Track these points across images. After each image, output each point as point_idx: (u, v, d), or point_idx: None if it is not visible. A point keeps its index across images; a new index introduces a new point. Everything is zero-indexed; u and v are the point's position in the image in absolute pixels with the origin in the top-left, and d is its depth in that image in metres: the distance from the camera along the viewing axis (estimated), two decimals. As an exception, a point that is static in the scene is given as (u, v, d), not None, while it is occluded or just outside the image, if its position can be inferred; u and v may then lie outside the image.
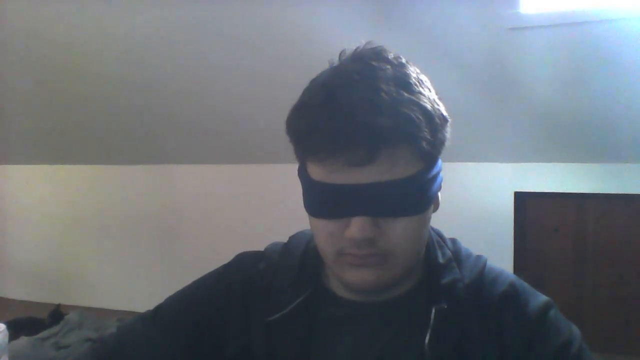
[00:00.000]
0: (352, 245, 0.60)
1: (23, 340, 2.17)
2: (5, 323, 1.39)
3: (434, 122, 0.59)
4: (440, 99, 0.63)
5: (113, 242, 3.09)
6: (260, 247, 0.80)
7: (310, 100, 0.61)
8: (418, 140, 0.57)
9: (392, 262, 0.62)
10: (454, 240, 0.75)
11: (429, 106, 0.59)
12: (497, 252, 2.17)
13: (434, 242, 0.72)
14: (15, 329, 2.11)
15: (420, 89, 0.60)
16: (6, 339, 1.35)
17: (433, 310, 0.65)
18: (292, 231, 0.80)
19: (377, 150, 0.56)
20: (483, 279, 0.69)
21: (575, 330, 0.67)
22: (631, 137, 1.98)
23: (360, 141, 0.56)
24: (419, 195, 0.61)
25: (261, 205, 2.73)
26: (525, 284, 0.70)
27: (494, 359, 0.64)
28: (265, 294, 0.72)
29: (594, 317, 2.22)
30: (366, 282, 0.62)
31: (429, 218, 0.65)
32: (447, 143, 0.64)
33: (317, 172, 0.61)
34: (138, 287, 2.95)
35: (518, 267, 2.26)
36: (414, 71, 0.62)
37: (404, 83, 0.59)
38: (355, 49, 0.64)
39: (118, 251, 3.08)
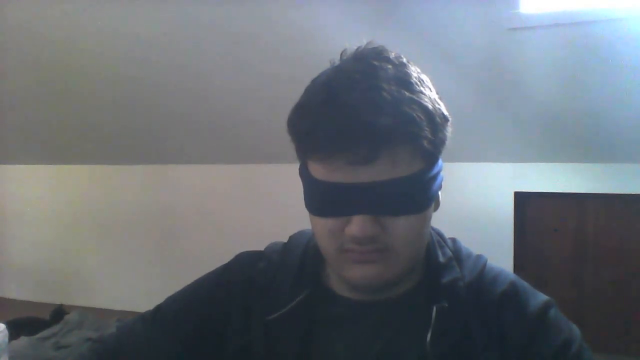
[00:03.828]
0: (353, 242, 0.60)
1: (23, 340, 2.17)
2: (5, 323, 1.39)
3: (435, 121, 0.60)
4: (440, 98, 0.63)
5: (113, 242, 3.09)
6: (260, 247, 0.80)
7: (312, 99, 0.61)
8: (419, 139, 0.58)
9: (393, 259, 0.62)
10: (454, 240, 0.75)
11: (430, 106, 0.59)
12: (497, 252, 2.17)
13: (434, 242, 0.72)
14: (15, 329, 2.11)
15: (421, 88, 0.60)
16: (6, 339, 1.35)
17: (434, 309, 0.65)
18: (292, 231, 0.80)
19: (378, 149, 0.56)
20: (483, 278, 0.69)
21: (575, 329, 0.67)
22: (631, 137, 1.98)
23: (361, 140, 0.56)
24: (419, 194, 0.61)
25: (261, 205, 2.73)
26: (526, 284, 0.70)
27: (494, 358, 0.64)
28: (265, 294, 0.72)
29: (594, 317, 2.22)
30: (368, 278, 0.62)
31: (430, 217, 0.65)
32: (448, 143, 0.64)
33: (318, 171, 0.61)
34: (138, 287, 2.95)
35: (518, 267, 2.26)
36: (415, 71, 0.62)
37: (405, 82, 0.59)
38: (357, 49, 0.64)
39: (118, 251, 3.08)
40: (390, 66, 0.60)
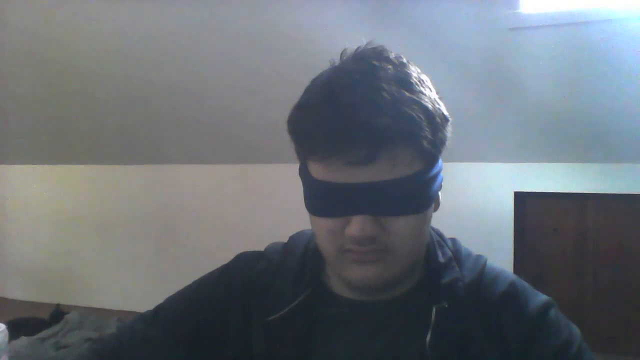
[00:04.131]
0: (353, 242, 0.60)
1: (23, 340, 2.17)
2: (5, 323, 1.39)
3: (435, 121, 0.60)
4: (440, 98, 0.63)
5: (113, 242, 3.09)
6: (260, 247, 0.80)
7: (312, 99, 0.61)
8: (419, 139, 0.58)
9: (393, 259, 0.62)
10: (454, 240, 0.75)
11: (429, 106, 0.59)
12: (497, 252, 2.17)
13: (434, 242, 0.72)
14: (15, 329, 2.11)
15: (421, 88, 0.60)
16: (6, 339, 1.35)
17: (434, 310, 0.65)
18: (292, 231, 0.80)
19: (378, 149, 0.56)
20: (483, 278, 0.69)
21: (575, 330, 0.67)
22: (631, 137, 1.98)
23: (361, 140, 0.56)
24: (419, 194, 0.61)
25: (261, 205, 2.73)
26: (526, 284, 0.70)
27: (494, 358, 0.64)
28: (265, 294, 0.72)
29: (594, 317, 2.21)
30: (368, 278, 0.62)
31: (430, 217, 0.65)
32: (448, 143, 0.64)
33: (318, 170, 0.61)
34: (138, 287, 2.95)
35: (518, 267, 2.26)
36: (414, 71, 0.62)
37: (405, 82, 0.59)
38: (357, 49, 0.64)
39: (118, 251, 3.08)
40: (390, 66, 0.60)
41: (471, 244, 0.75)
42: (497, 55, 1.89)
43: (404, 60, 0.63)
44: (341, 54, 0.65)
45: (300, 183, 0.66)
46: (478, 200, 2.29)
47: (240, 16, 2.02)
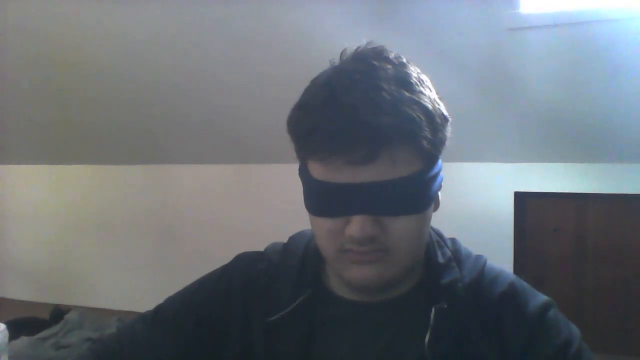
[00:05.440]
0: (353, 242, 0.60)
1: (23, 340, 2.17)
2: (5, 323, 1.39)
3: (435, 121, 0.60)
4: (440, 98, 0.63)
5: (113, 242, 3.09)
6: (260, 247, 0.80)
7: (311, 99, 0.61)
8: (419, 139, 0.58)
9: (392, 259, 0.62)
10: (453, 240, 0.75)
11: (429, 106, 0.59)
12: (497, 252, 2.17)
13: (433, 242, 0.72)
14: (15, 329, 2.11)
15: (421, 88, 0.60)
16: (6, 339, 1.35)
17: (433, 310, 0.65)
18: (292, 231, 0.80)
19: (377, 149, 0.56)
20: (483, 278, 0.69)
21: (575, 330, 0.67)
22: (631, 137, 1.98)
23: (361, 140, 0.56)
24: (419, 194, 0.61)
25: (261, 205, 2.73)
26: (525, 284, 0.70)
27: (493, 358, 0.64)
28: (265, 295, 0.72)
29: (594, 317, 2.21)
30: (367, 278, 0.62)
31: (430, 217, 0.65)
32: (448, 143, 0.64)
33: (317, 170, 0.61)
34: (138, 287, 2.95)
35: (518, 267, 2.26)
36: (414, 71, 0.62)
37: (405, 82, 0.59)
38: (356, 49, 0.64)
39: (118, 251, 3.08)
40: (390, 66, 0.60)
41: (471, 244, 0.75)
42: (497, 55, 1.89)
43: (404, 60, 0.63)
44: (341, 54, 0.65)
45: (300, 183, 0.66)
46: (478, 200, 2.29)
47: (240, 16, 2.02)
